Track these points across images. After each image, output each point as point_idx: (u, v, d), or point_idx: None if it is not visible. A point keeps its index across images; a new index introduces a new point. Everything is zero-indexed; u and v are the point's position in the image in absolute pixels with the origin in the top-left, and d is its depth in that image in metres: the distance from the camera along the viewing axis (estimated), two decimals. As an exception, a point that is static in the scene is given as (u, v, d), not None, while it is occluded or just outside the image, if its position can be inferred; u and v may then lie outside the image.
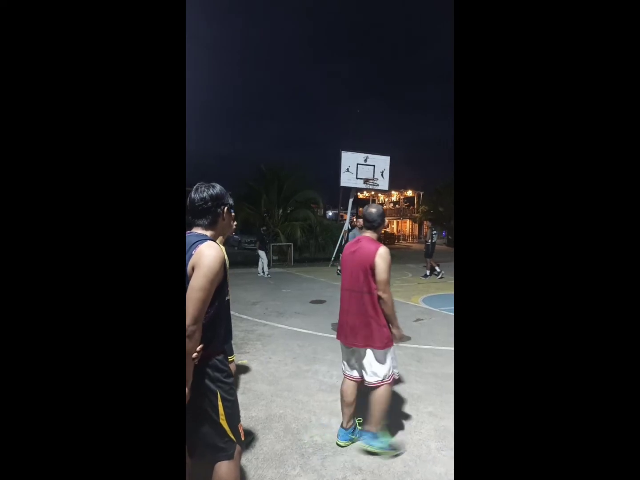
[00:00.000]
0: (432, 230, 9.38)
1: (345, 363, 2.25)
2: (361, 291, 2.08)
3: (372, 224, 2.15)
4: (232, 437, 1.41)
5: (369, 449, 2.10)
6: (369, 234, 2.16)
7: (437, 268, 9.17)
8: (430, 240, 9.23)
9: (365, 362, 2.13)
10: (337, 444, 2.19)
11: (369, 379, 2.13)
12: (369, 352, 2.11)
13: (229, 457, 1.41)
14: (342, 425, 2.22)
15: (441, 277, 8.97)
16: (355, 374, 2.21)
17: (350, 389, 2.20)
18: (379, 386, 2.11)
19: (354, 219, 9.79)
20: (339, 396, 2.76)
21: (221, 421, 1.37)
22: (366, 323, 2.08)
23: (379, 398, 2.12)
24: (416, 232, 31.63)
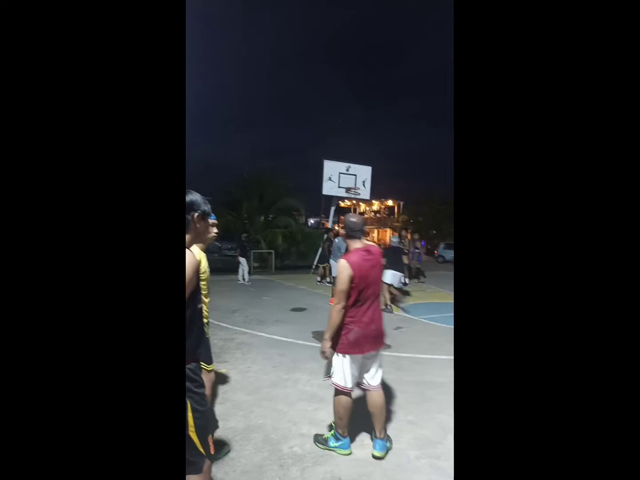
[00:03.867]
0: (403, 240, 9.57)
1: (356, 373, 2.17)
2: (378, 295, 2.20)
3: (358, 232, 2.14)
4: (201, 450, 1.35)
5: (381, 455, 2.15)
6: (361, 243, 2.14)
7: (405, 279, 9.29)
8: (405, 249, 9.36)
9: (376, 366, 2.21)
10: (377, 457, 2.14)
11: (375, 382, 2.21)
12: (379, 355, 2.21)
13: (198, 471, 1.36)
14: (379, 437, 2.18)
15: (406, 285, 9.10)
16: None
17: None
18: (379, 390, 2.22)
19: (336, 227, 9.80)
20: (319, 405, 2.74)
21: (190, 433, 1.32)
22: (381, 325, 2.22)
23: (383, 401, 2.23)
24: (396, 241, 31.98)
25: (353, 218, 2.15)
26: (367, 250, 2.11)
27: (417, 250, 9.46)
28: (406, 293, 8.17)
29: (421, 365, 3.68)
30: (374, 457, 2.15)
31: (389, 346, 4.28)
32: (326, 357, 2.12)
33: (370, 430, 2.24)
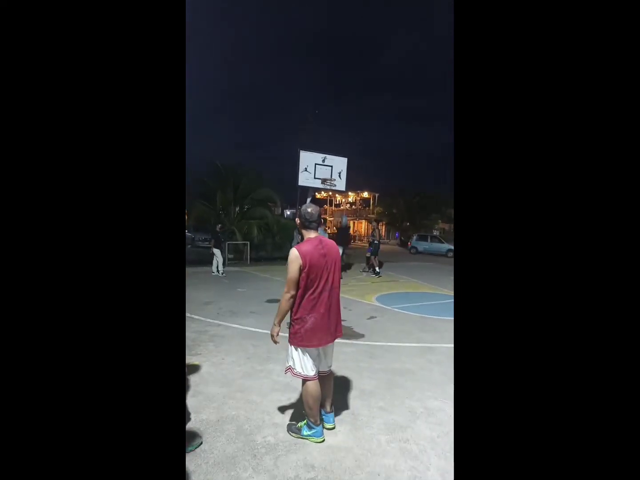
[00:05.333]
0: (374, 230, 10.05)
1: (316, 362, 2.21)
2: (338, 287, 2.22)
3: (313, 223, 2.15)
4: None
5: (333, 426, 2.34)
6: (316, 234, 2.16)
7: (377, 268, 9.53)
8: (375, 240, 9.65)
9: (331, 354, 2.32)
10: (331, 428, 2.32)
11: (328, 367, 2.32)
12: (333, 344, 2.28)
13: None
14: (329, 411, 2.35)
15: (380, 276, 9.34)
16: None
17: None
18: (330, 372, 2.35)
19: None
20: (292, 395, 2.77)
21: None
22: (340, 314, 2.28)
23: (332, 381, 2.38)
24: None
25: (309, 209, 2.14)
26: (319, 240, 2.12)
27: (374, 241, 9.74)
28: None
29: (392, 354, 3.78)
30: (327, 429, 2.31)
31: (362, 335, 4.37)
32: (275, 342, 2.20)
33: (341, 417, 2.29)
